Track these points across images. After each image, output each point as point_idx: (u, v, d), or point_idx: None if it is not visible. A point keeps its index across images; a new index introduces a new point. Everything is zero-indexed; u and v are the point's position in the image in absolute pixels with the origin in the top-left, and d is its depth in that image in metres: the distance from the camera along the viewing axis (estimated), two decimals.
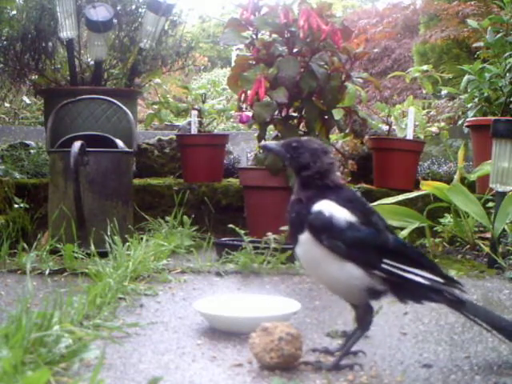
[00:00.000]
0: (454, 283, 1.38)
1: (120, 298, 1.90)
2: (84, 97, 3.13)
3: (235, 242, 2.70)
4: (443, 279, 1.36)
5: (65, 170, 2.73)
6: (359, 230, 1.34)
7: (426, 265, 1.37)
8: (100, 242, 2.49)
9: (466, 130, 4.07)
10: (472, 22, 4.37)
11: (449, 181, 3.44)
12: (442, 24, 7.40)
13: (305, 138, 1.44)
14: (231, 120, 6.61)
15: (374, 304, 1.41)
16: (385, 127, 3.83)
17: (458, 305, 1.37)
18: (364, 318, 1.39)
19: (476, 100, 3.95)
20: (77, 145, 2.63)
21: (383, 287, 1.35)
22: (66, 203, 2.70)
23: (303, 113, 3.11)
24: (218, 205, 3.54)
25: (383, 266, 1.33)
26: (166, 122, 5.09)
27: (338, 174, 1.44)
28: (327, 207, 1.34)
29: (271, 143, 1.51)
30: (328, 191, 1.37)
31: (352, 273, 1.33)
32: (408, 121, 3.59)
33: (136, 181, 3.45)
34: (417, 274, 1.34)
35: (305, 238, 1.35)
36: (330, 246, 1.32)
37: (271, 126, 3.19)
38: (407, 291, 1.37)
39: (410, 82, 4.72)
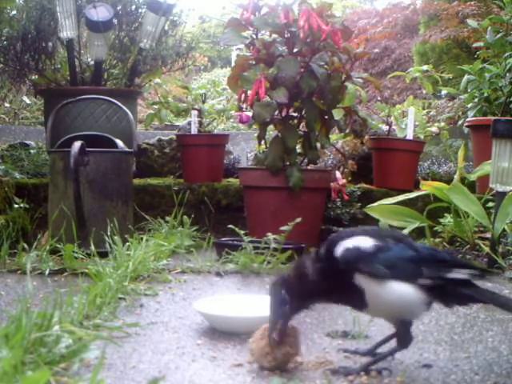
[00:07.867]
0: (488, 272, 1.41)
1: (120, 298, 1.90)
2: (84, 97, 3.13)
3: (235, 242, 2.70)
4: (478, 271, 1.37)
5: (65, 170, 2.73)
6: (389, 248, 1.34)
7: (459, 262, 1.40)
8: (100, 242, 2.49)
9: (466, 130, 4.07)
10: (472, 22, 4.38)
11: (449, 181, 3.44)
12: (441, 24, 7.41)
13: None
14: (231, 120, 6.62)
15: None
16: (385, 127, 3.82)
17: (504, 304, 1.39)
18: (405, 335, 1.37)
19: (476, 100, 3.95)
20: (77, 145, 2.63)
21: (430, 295, 1.34)
22: (66, 203, 2.70)
23: (303, 113, 3.10)
24: (218, 205, 3.54)
25: (424, 273, 1.33)
26: (166, 122, 5.09)
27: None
28: (348, 243, 1.34)
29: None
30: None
31: (404, 290, 1.32)
32: (408, 121, 3.59)
33: (136, 181, 3.45)
34: (456, 272, 1.35)
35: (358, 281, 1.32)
36: (371, 270, 1.31)
37: (271, 126, 3.19)
38: (451, 296, 1.38)
39: (410, 82, 4.72)
